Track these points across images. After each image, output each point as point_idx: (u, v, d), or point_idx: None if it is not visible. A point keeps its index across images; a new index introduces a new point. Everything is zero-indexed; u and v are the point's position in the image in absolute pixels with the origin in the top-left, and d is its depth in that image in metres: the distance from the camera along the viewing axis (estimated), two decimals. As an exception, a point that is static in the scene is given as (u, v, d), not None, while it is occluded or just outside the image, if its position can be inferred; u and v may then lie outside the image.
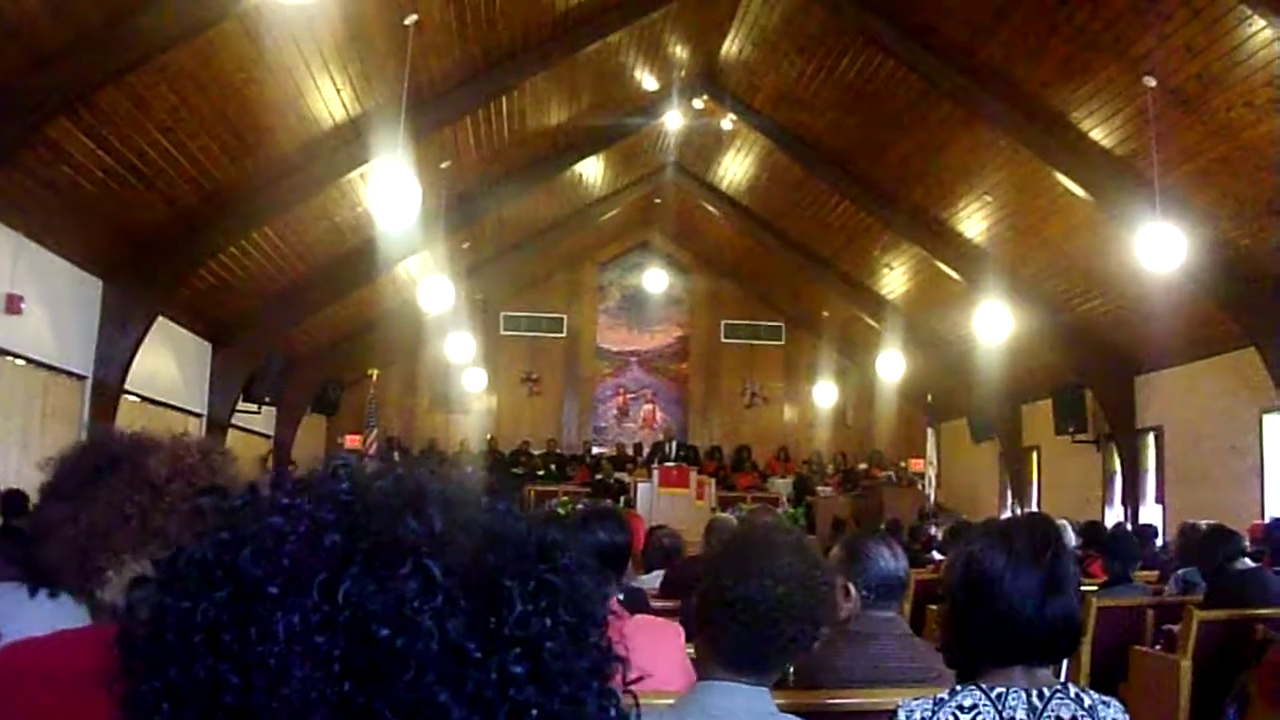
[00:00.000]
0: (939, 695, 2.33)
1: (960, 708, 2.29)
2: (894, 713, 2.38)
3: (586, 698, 0.85)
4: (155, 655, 0.81)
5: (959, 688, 2.33)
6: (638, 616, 3.78)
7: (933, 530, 13.91)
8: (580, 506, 10.05)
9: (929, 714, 2.31)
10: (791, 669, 2.62)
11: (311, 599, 0.77)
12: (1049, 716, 2.25)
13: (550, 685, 0.82)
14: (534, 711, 0.80)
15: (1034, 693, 2.28)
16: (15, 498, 7.25)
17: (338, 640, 0.76)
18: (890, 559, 3.63)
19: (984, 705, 2.28)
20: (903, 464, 22.19)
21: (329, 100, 11.50)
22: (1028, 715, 2.26)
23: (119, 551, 1.87)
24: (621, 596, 4.66)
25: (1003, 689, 2.29)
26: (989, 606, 2.32)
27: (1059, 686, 2.31)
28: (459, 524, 0.84)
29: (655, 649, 2.88)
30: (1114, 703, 2.35)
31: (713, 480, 19.41)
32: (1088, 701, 2.31)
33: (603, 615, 0.91)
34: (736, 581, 2.41)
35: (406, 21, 10.56)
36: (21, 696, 1.86)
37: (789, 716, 2.44)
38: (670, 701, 2.46)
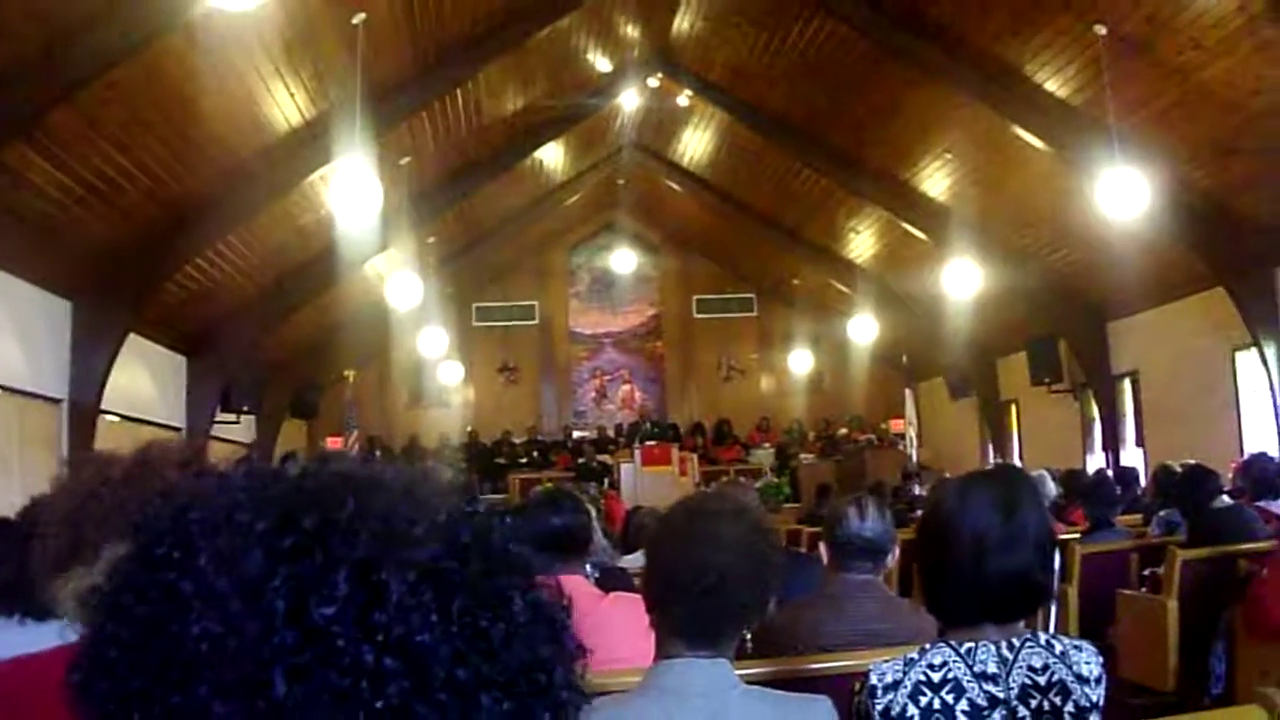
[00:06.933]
0: (909, 655, 2.36)
1: (930, 666, 2.31)
2: (866, 675, 2.40)
3: (475, 709, 0.81)
4: (97, 610, 0.86)
5: (928, 646, 2.36)
6: (614, 593, 3.77)
7: (916, 489, 13.98)
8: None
9: (900, 675, 2.33)
10: (749, 636, 2.58)
11: (197, 563, 0.80)
12: (1020, 666, 2.29)
13: (423, 686, 0.78)
14: (379, 705, 0.76)
15: (1003, 644, 2.31)
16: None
17: (210, 602, 0.78)
18: (857, 520, 3.64)
19: (954, 661, 2.30)
20: (883, 426, 22.33)
21: (283, 105, 11.43)
22: (999, 667, 2.29)
23: (59, 562, 1.85)
24: (598, 575, 4.72)
25: (971, 644, 2.32)
26: (949, 564, 2.35)
27: (1029, 636, 2.34)
28: (370, 514, 0.83)
29: (630, 625, 2.88)
30: (1085, 645, 2.39)
31: (695, 456, 19.45)
32: (1059, 648, 2.34)
33: (520, 628, 0.86)
34: (680, 555, 2.38)
35: (355, 20, 10.52)
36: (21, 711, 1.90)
37: (753, 687, 2.39)
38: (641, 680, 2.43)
